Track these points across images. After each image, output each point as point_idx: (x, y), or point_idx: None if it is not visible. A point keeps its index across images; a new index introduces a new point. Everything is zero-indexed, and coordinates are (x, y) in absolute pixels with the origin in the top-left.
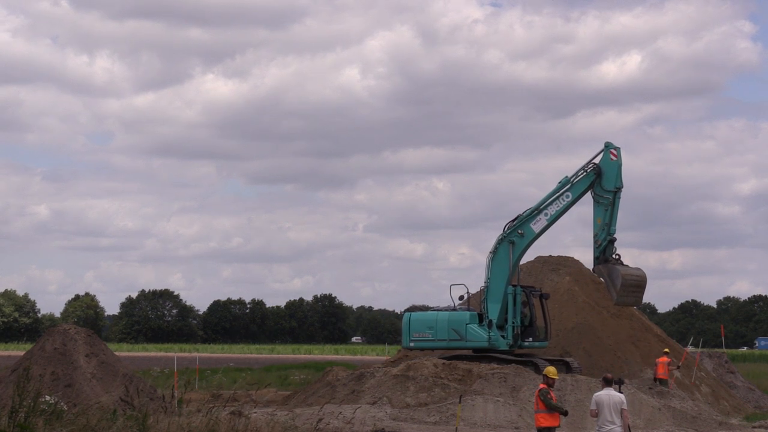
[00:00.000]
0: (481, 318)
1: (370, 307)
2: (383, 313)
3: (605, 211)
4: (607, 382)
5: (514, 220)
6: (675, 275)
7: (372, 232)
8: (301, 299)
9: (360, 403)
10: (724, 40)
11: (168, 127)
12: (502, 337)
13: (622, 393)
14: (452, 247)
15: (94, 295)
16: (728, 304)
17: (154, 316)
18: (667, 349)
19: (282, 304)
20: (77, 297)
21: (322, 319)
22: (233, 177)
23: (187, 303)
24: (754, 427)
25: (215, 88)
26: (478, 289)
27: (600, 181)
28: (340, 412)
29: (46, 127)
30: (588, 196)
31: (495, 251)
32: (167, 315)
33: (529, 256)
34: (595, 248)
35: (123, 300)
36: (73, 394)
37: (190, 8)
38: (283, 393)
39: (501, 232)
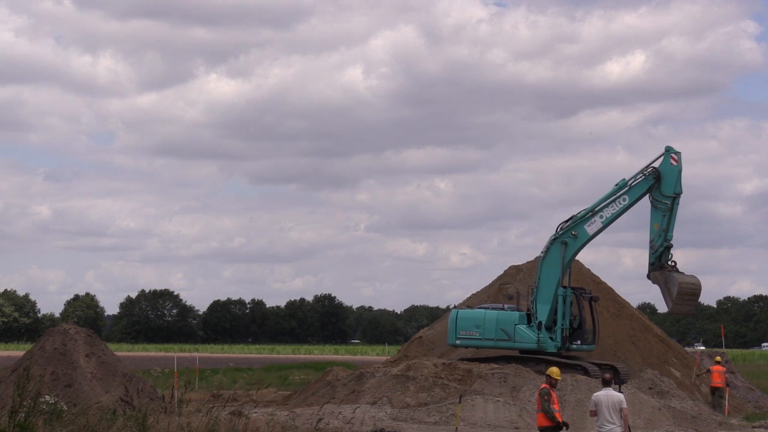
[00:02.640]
0: (529, 318)
1: (370, 307)
2: (383, 313)
3: (663, 217)
4: (606, 383)
5: (567, 221)
6: None
7: (373, 232)
8: (301, 299)
9: (360, 403)
10: (728, 40)
11: (171, 126)
12: (551, 339)
13: (621, 393)
14: (454, 247)
15: (94, 295)
16: (728, 304)
17: (154, 316)
18: (718, 357)
19: (283, 304)
20: (77, 297)
21: (322, 319)
22: (235, 177)
23: (187, 303)
24: (754, 427)
25: (218, 87)
26: (481, 288)
27: (659, 186)
28: (340, 412)
29: (49, 126)
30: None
31: (546, 252)
32: (167, 315)
33: (529, 256)
34: (651, 254)
35: (123, 300)
36: (73, 394)
37: (193, 8)
38: (283, 393)
39: (553, 232)
